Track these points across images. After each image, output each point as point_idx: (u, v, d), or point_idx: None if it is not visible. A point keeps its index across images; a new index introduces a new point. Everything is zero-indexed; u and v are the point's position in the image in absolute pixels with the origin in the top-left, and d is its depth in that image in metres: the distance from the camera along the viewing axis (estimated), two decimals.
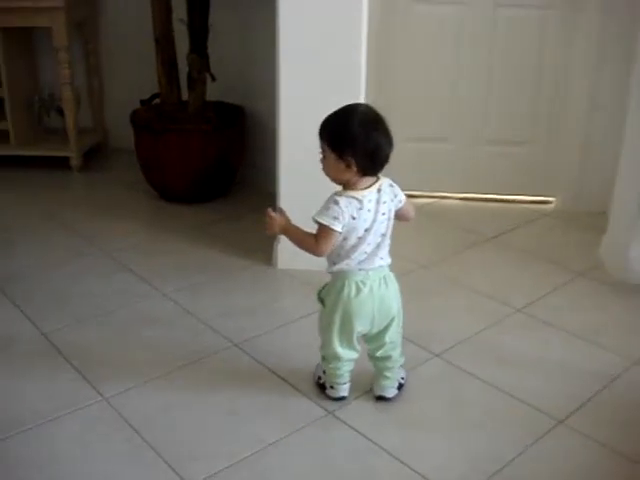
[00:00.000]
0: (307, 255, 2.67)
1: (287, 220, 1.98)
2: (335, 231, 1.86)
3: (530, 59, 3.36)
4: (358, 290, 1.96)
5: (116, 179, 3.78)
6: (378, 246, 1.94)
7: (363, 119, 1.87)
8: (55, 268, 2.85)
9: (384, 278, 1.99)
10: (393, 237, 1.99)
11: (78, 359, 2.27)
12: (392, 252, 2.01)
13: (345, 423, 2.01)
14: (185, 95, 3.42)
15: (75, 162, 3.85)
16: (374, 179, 1.92)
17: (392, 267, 2.02)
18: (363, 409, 2.07)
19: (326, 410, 2.06)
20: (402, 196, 1.99)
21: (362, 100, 2.63)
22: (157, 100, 3.49)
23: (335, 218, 1.85)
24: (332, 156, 1.87)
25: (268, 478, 1.83)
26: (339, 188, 1.93)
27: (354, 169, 1.85)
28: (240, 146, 3.48)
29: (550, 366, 2.29)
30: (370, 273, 1.96)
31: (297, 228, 1.96)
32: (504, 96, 3.42)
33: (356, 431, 1.98)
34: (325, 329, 2.03)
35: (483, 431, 2.00)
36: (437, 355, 2.33)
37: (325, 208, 1.87)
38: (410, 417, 2.05)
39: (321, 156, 1.91)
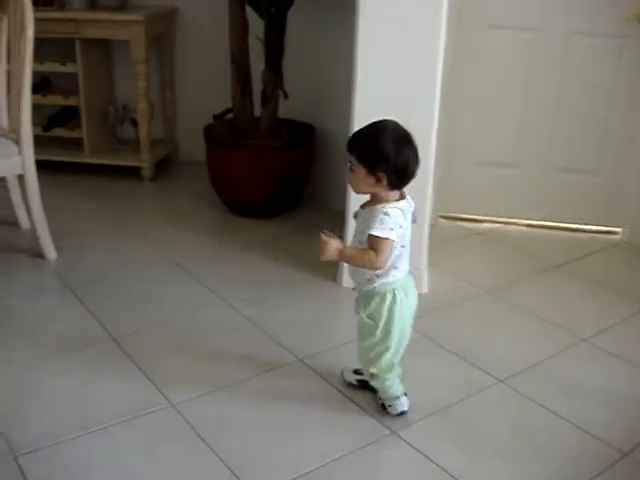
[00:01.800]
0: None
1: (339, 242, 1.97)
2: (392, 242, 1.92)
3: (602, 87, 3.35)
4: (406, 294, 2.04)
5: (185, 190, 3.86)
6: (408, 252, 2.03)
7: (394, 136, 1.92)
8: (125, 274, 2.93)
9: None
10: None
11: (146, 364, 2.33)
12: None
13: (409, 444, 2.02)
14: (257, 111, 3.49)
15: (146, 172, 3.94)
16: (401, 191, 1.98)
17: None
18: (426, 430, 2.08)
19: (390, 429, 2.07)
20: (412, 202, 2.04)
21: (435, 123, 2.66)
22: (229, 115, 3.56)
23: (391, 229, 1.91)
24: (362, 170, 1.92)
25: None
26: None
27: (384, 183, 1.91)
28: (309, 163, 3.53)
29: (615, 398, 2.27)
30: (409, 277, 2.07)
31: (351, 248, 1.98)
32: (574, 123, 3.41)
33: (420, 452, 1.99)
34: (380, 343, 2.05)
35: (546, 460, 1.99)
36: (501, 381, 2.32)
37: (379, 222, 1.90)
38: (474, 441, 2.05)
39: (349, 169, 1.95)
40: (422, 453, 1.98)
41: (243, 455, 1.96)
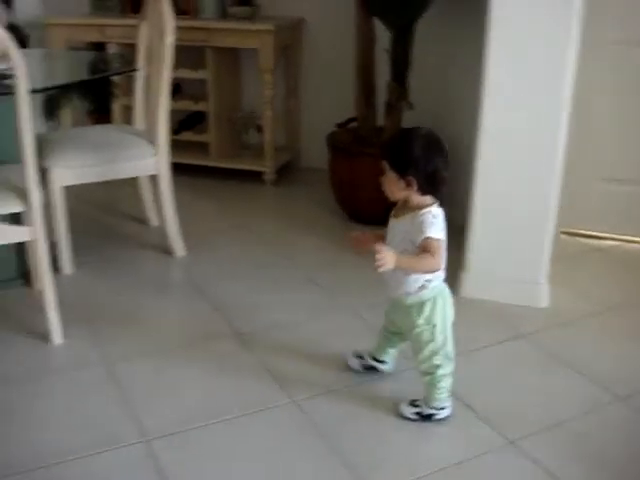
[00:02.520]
0: (494, 287, 2.72)
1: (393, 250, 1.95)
2: (444, 242, 1.98)
3: None
4: (448, 296, 2.11)
5: (306, 196, 3.95)
6: None
7: (424, 142, 1.98)
8: (249, 274, 3.04)
9: None
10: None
11: (268, 361, 2.42)
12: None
13: (526, 454, 2.01)
14: (380, 121, 3.54)
15: (269, 177, 4.06)
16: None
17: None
18: (542, 442, 2.06)
19: (506, 438, 2.07)
20: None
21: (563, 136, 2.65)
22: (353, 124, 3.62)
23: (442, 230, 1.98)
24: (393, 175, 1.99)
25: None
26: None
27: (414, 188, 1.97)
28: None
29: None
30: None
31: (406, 255, 1.98)
32: None
33: (537, 464, 1.98)
34: (442, 346, 2.09)
35: None
36: (622, 400, 2.28)
37: (431, 224, 1.95)
38: (591, 456, 2.02)
39: (383, 175, 2.03)
40: (539, 464, 1.98)
41: (362, 455, 2.00)
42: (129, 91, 3.74)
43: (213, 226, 3.54)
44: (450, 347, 2.12)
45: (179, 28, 3.44)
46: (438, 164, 1.97)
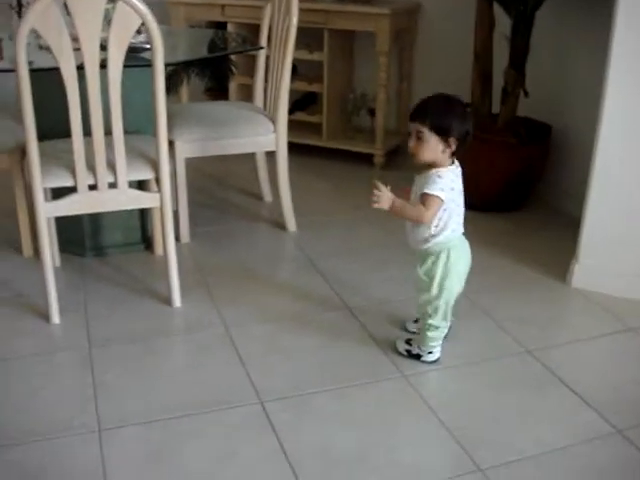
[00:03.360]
0: (607, 279, 2.70)
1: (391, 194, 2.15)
2: (440, 200, 2.11)
3: None
4: (461, 254, 2.24)
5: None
6: (460, 214, 2.21)
7: (461, 107, 2.17)
8: (358, 253, 3.10)
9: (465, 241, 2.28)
10: None
11: (377, 334, 2.50)
12: None
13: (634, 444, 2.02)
14: (495, 108, 3.53)
15: (378, 159, 4.11)
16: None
17: None
18: None
19: (614, 427, 2.07)
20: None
21: None
22: (467, 110, 3.62)
23: (441, 189, 2.11)
24: (433, 138, 2.10)
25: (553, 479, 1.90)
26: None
27: (452, 148, 2.11)
28: (542, 163, 3.53)
29: None
30: (464, 239, 2.27)
31: (402, 201, 2.16)
32: None
33: None
34: (436, 298, 2.25)
35: None
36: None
37: (432, 182, 2.11)
38: None
39: (414, 139, 2.13)
40: None
41: (471, 430, 2.04)
42: (246, 70, 3.85)
43: (324, 204, 3.62)
44: (446, 306, 2.28)
45: (299, 10, 3.53)
46: (470, 124, 2.14)
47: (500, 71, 3.45)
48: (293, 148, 3.94)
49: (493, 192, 3.48)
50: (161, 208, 2.55)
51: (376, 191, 2.13)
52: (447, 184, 2.12)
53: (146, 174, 2.54)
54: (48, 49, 2.29)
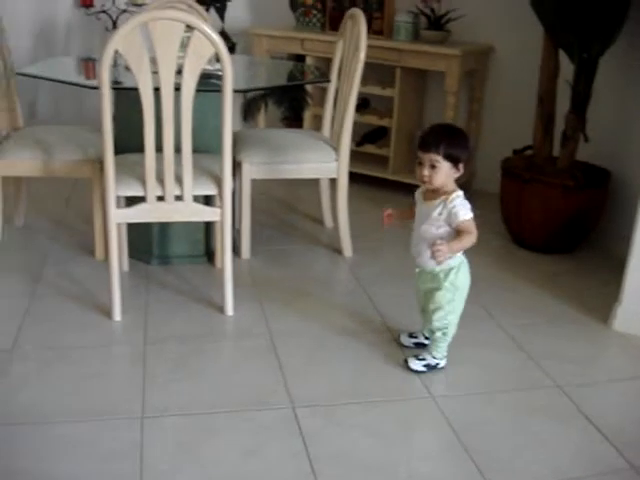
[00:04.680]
0: None
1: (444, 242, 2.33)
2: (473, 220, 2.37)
3: None
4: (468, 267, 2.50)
5: (475, 217, 4.06)
6: None
7: (464, 134, 2.40)
8: (406, 279, 3.17)
9: None
10: None
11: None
12: None
13: None
14: (556, 152, 3.62)
15: None
16: None
17: None
18: None
19: (629, 464, 2.12)
20: None
21: None
22: (528, 152, 3.73)
23: (470, 209, 2.36)
24: (446, 165, 2.31)
25: None
26: None
27: (461, 172, 2.35)
28: (599, 208, 3.59)
29: None
30: None
31: (454, 240, 2.34)
32: None
33: None
34: (458, 307, 2.49)
35: None
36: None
37: (462, 207, 2.34)
38: None
39: (428, 168, 2.32)
40: None
41: (490, 456, 2.13)
42: (321, 102, 4.05)
43: (382, 232, 3.75)
44: (461, 311, 2.51)
45: (373, 47, 3.72)
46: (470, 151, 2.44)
47: (563, 115, 3.54)
48: (360, 179, 4.12)
49: (548, 233, 3.56)
50: (221, 222, 2.75)
51: (436, 248, 2.30)
52: (468, 204, 2.37)
53: (210, 190, 2.75)
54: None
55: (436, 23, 4.17)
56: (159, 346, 2.60)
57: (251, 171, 3.21)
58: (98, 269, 3.10)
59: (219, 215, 2.74)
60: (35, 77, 3.13)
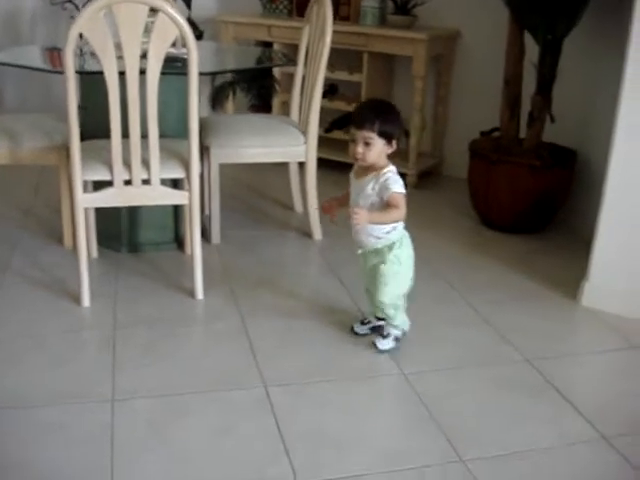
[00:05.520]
0: (615, 299, 2.80)
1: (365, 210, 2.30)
2: (404, 195, 2.33)
3: None
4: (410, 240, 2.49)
5: (443, 201, 4.11)
6: None
7: (396, 110, 2.38)
8: None
9: None
10: None
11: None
12: None
13: (617, 450, 2.10)
14: (523, 133, 3.66)
15: (410, 179, 4.24)
16: None
17: None
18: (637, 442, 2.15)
19: (599, 433, 2.15)
20: None
21: None
22: (496, 134, 3.76)
23: (402, 186, 2.34)
24: (381, 142, 2.30)
25: (538, 476, 1.99)
26: None
27: (394, 148, 2.35)
28: (566, 187, 3.62)
29: None
30: None
31: (377, 210, 2.32)
32: None
33: (626, 461, 2.06)
34: (404, 281, 2.47)
35: None
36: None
37: (394, 181, 2.32)
38: None
39: (361, 145, 2.30)
40: (628, 461, 2.06)
41: (459, 427, 2.16)
42: (289, 88, 4.04)
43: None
44: (408, 286, 2.50)
45: (340, 32, 3.73)
46: (403, 126, 2.49)
47: (529, 97, 3.57)
48: (329, 164, 4.12)
49: (516, 213, 3.59)
50: (190, 205, 2.74)
51: (353, 211, 2.27)
52: (400, 180, 2.36)
53: (177, 173, 2.74)
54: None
55: (403, 8, 4.19)
56: (129, 330, 2.59)
57: (219, 155, 3.20)
58: (67, 257, 3.08)
59: (187, 198, 2.74)
60: (0, 64, 3.09)
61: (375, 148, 2.31)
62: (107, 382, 2.28)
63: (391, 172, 2.35)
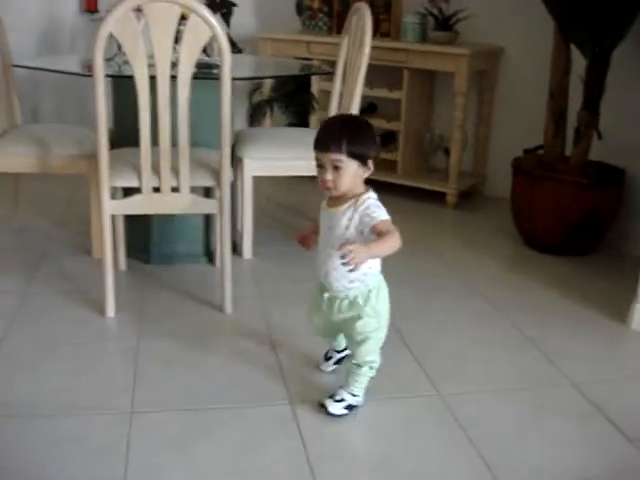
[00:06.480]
0: None
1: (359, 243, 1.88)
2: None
3: None
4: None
5: (485, 221, 3.96)
6: None
7: (367, 125, 1.99)
8: (414, 282, 3.10)
9: None
10: None
11: (421, 354, 2.50)
12: None
13: None
14: (569, 150, 3.51)
15: (451, 199, 4.11)
16: None
17: None
18: None
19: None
20: None
21: None
22: (540, 151, 3.62)
23: (386, 212, 1.96)
24: (354, 164, 1.93)
25: None
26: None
27: (371, 170, 1.98)
28: (614, 207, 3.46)
29: None
30: None
31: (372, 242, 1.91)
32: None
33: None
34: (383, 330, 2.10)
35: None
36: None
37: (377, 207, 1.95)
38: None
39: (330, 170, 1.94)
40: None
41: (498, 449, 2.01)
42: (326, 107, 3.96)
43: None
44: (383, 341, 2.13)
45: (380, 48, 3.64)
46: (378, 142, 2.03)
47: (575, 112, 3.43)
48: (368, 183, 4.00)
49: (560, 233, 3.43)
50: (220, 215, 2.64)
51: (349, 254, 1.82)
52: (383, 207, 1.98)
53: (207, 181, 2.65)
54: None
55: (444, 24, 4.08)
56: (153, 342, 2.49)
57: (252, 167, 3.11)
58: (94, 268, 2.97)
59: (217, 207, 2.64)
60: (30, 68, 3.07)
61: (347, 172, 1.93)
62: (127, 394, 2.17)
63: (372, 198, 1.97)
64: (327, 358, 2.37)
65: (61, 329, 2.55)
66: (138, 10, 2.39)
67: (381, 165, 4.33)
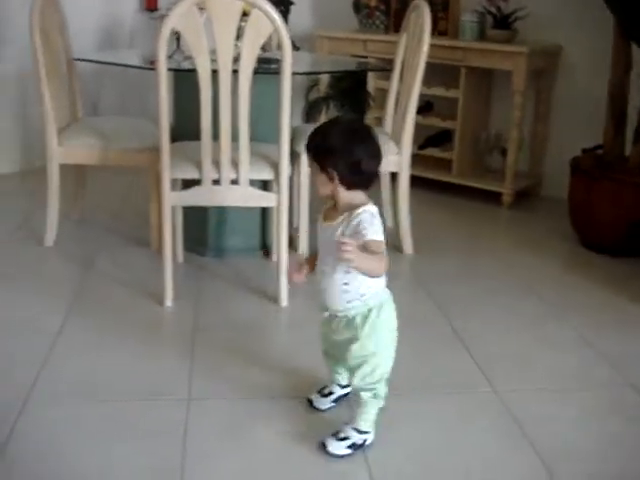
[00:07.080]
0: None
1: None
2: (384, 244, 1.77)
3: None
4: (391, 302, 1.91)
5: (541, 221, 3.91)
6: None
7: (345, 130, 1.79)
8: (467, 280, 3.10)
9: None
10: None
11: (477, 352, 2.49)
12: None
13: None
14: (627, 151, 3.46)
15: (507, 199, 4.08)
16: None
17: None
18: None
19: None
20: None
21: None
22: (599, 151, 3.56)
23: (381, 230, 1.77)
24: (316, 167, 1.81)
25: None
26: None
27: (335, 181, 1.77)
28: None
29: None
30: None
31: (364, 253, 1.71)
32: None
33: None
34: (387, 358, 1.91)
35: None
36: None
37: (370, 224, 1.74)
38: None
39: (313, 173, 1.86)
40: None
41: (556, 450, 1.99)
42: (383, 104, 3.97)
43: (444, 234, 3.64)
44: (390, 366, 1.93)
45: (437, 47, 3.62)
46: (361, 153, 1.76)
47: (635, 112, 3.38)
48: (423, 183, 4.01)
49: (620, 234, 3.38)
50: (278, 208, 2.67)
51: (344, 246, 1.64)
52: (380, 224, 1.79)
53: (266, 174, 2.68)
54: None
55: (502, 22, 4.05)
56: (208, 332, 2.53)
57: None
58: (152, 259, 3.04)
59: (275, 201, 2.67)
60: (94, 62, 3.13)
61: (318, 179, 1.82)
62: (183, 381, 2.21)
63: (367, 212, 1.76)
64: (325, 394, 2.14)
65: (120, 317, 2.60)
66: (200, 8, 2.43)
67: (436, 164, 4.32)
